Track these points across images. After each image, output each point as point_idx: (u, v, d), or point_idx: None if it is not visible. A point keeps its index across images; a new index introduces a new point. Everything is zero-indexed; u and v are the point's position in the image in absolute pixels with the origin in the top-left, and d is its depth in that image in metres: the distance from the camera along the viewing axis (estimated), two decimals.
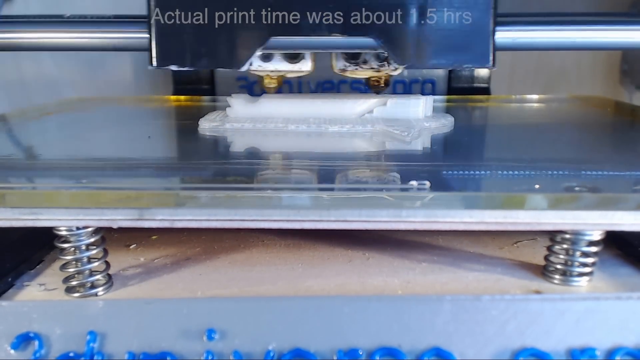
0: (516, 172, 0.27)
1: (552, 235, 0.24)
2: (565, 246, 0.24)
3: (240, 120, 0.38)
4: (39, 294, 0.24)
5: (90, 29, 0.37)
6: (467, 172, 0.28)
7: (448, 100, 0.53)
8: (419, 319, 0.21)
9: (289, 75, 0.38)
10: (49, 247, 0.28)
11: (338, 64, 0.38)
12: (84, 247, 0.23)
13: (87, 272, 0.24)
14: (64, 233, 0.23)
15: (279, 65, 0.37)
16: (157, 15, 0.34)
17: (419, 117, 0.39)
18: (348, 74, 0.38)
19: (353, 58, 0.37)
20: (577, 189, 0.24)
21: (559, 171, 0.27)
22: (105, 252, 0.24)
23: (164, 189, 0.25)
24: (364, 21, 0.32)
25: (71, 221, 0.22)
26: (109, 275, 0.25)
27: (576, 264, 0.24)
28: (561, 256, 0.24)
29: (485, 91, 0.62)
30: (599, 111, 0.48)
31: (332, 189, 0.25)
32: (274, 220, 0.22)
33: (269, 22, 0.33)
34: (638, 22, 0.35)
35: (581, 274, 0.24)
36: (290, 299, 0.22)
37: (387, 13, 0.32)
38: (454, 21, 0.32)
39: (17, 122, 0.43)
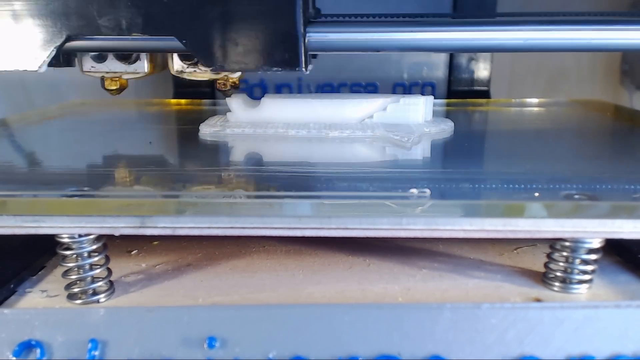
0: (516, 180, 0.27)
1: (552, 243, 0.24)
2: (564, 254, 0.24)
3: (240, 125, 0.38)
4: (41, 301, 0.24)
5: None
6: (466, 179, 0.28)
7: (448, 104, 0.53)
8: (419, 327, 0.21)
9: (126, 76, 0.36)
10: (50, 253, 0.28)
11: (175, 66, 0.36)
12: (86, 255, 0.24)
13: (89, 279, 0.24)
14: (66, 240, 0.23)
15: (113, 66, 0.36)
16: None
17: (418, 122, 0.39)
18: (186, 76, 0.36)
19: (187, 59, 0.35)
20: (576, 197, 0.24)
21: (558, 178, 0.27)
22: (107, 259, 0.25)
23: (166, 196, 0.25)
24: (167, 21, 0.30)
25: (73, 229, 0.22)
26: (111, 282, 0.25)
27: (576, 271, 0.24)
28: (561, 264, 0.24)
29: (485, 94, 0.62)
30: (598, 115, 0.48)
31: (332, 197, 0.25)
32: (275, 227, 0.23)
33: (69, 21, 0.30)
34: (638, 22, 0.35)
35: (581, 282, 0.24)
36: (291, 307, 0.22)
37: (191, 12, 0.30)
38: (262, 22, 0.29)
39: (19, 127, 0.43)
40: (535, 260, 0.28)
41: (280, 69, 0.30)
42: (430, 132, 0.38)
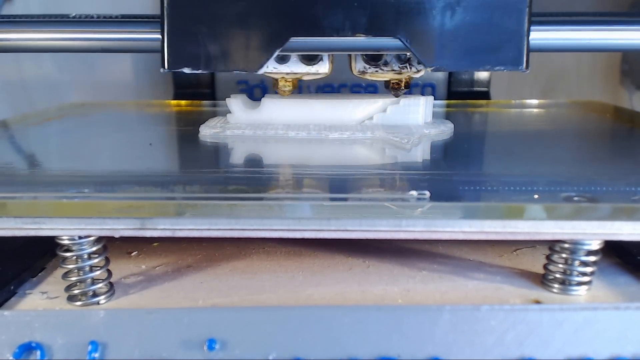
0: (515, 181, 0.27)
1: (551, 245, 0.24)
2: (564, 255, 0.24)
3: (240, 127, 0.38)
4: (41, 303, 0.24)
5: (99, 29, 0.36)
6: (466, 181, 0.28)
7: (448, 105, 0.53)
8: (419, 329, 0.21)
9: (306, 77, 0.37)
10: (50, 254, 0.28)
11: (357, 66, 0.36)
12: (86, 256, 0.24)
13: (89, 280, 0.24)
14: (66, 242, 0.23)
15: (295, 68, 0.36)
16: (169, 14, 0.32)
17: (418, 123, 0.39)
18: (367, 77, 0.36)
19: (373, 60, 0.36)
20: (575, 198, 0.24)
21: (557, 180, 0.27)
22: (107, 260, 0.25)
23: (166, 198, 0.25)
24: (389, 21, 0.30)
25: (73, 230, 0.23)
26: (111, 284, 0.25)
27: (575, 273, 0.24)
28: (560, 265, 0.24)
29: (485, 95, 0.63)
30: (598, 117, 0.48)
31: (332, 199, 0.25)
32: (274, 229, 0.23)
33: (289, 21, 0.31)
34: (638, 22, 0.35)
35: (580, 283, 0.24)
36: (290, 309, 0.22)
37: (414, 12, 0.30)
38: (485, 21, 0.30)
39: (19, 129, 0.43)
40: (535, 262, 0.28)
41: (503, 68, 0.31)
42: (430, 133, 0.38)
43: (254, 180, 0.29)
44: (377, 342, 0.21)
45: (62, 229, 0.22)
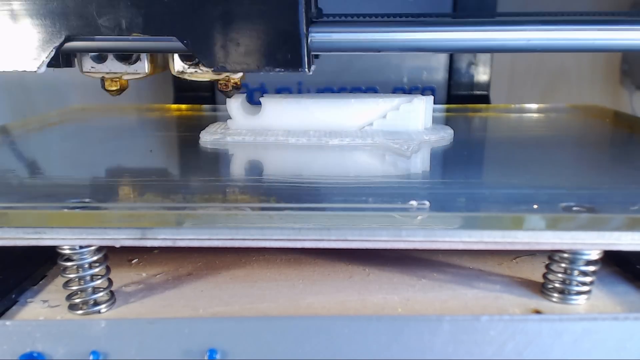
0: (514, 191, 0.27)
1: (551, 254, 0.24)
2: (563, 265, 0.24)
3: (241, 133, 0.38)
4: (43, 311, 0.24)
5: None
6: (465, 190, 0.28)
7: (447, 110, 0.53)
8: (418, 339, 0.21)
9: (126, 77, 0.36)
10: (51, 262, 0.28)
11: (176, 66, 0.35)
12: (87, 266, 0.24)
13: (90, 289, 0.24)
14: (67, 252, 0.23)
15: (113, 67, 0.35)
16: None
17: (418, 129, 0.39)
18: (187, 77, 0.35)
19: (188, 59, 0.35)
20: (575, 208, 0.24)
21: (557, 190, 0.27)
22: (108, 269, 0.25)
23: (166, 208, 0.25)
24: (168, 21, 0.29)
25: (75, 240, 0.23)
26: (112, 292, 0.25)
27: (574, 282, 0.24)
28: (559, 275, 0.24)
29: (485, 98, 0.63)
30: (597, 122, 0.48)
31: (332, 209, 0.25)
32: (275, 239, 0.23)
33: (68, 21, 0.30)
34: (638, 22, 0.35)
35: (579, 293, 0.24)
36: (291, 319, 0.22)
37: (192, 12, 0.29)
38: (265, 22, 0.29)
39: (20, 134, 0.43)
40: (534, 270, 0.28)
41: (282, 69, 0.30)
42: (429, 139, 0.38)
43: (255, 189, 0.29)
44: (377, 352, 0.21)
45: (64, 239, 0.23)
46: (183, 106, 0.55)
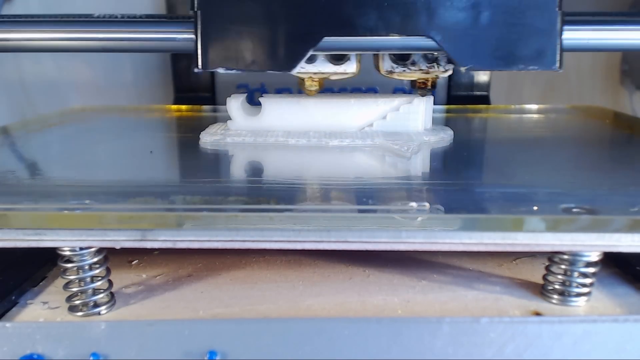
0: (514, 192, 0.27)
1: (551, 256, 0.24)
2: (563, 267, 0.24)
3: (241, 134, 0.38)
4: (43, 313, 0.24)
5: (131, 29, 0.35)
6: (465, 191, 0.28)
7: (447, 111, 0.53)
8: (418, 341, 0.21)
9: (334, 77, 0.37)
10: (51, 263, 0.28)
11: (385, 66, 0.36)
12: (87, 267, 0.24)
13: (90, 291, 0.24)
14: (67, 253, 0.23)
15: (323, 67, 0.36)
16: (202, 14, 0.32)
17: (418, 130, 0.39)
18: (395, 76, 0.36)
19: (401, 59, 0.36)
20: (574, 210, 0.24)
21: (557, 191, 0.27)
22: (108, 271, 0.25)
23: (166, 209, 0.25)
24: (422, 20, 0.30)
25: (75, 242, 0.23)
26: (112, 294, 0.25)
27: (574, 284, 0.24)
28: (559, 276, 0.24)
29: (485, 99, 0.63)
30: (597, 123, 0.48)
31: (332, 210, 0.25)
32: (275, 241, 0.23)
33: (321, 21, 0.31)
34: (638, 22, 0.35)
35: (579, 294, 0.24)
36: (291, 321, 0.22)
37: (446, 11, 0.30)
38: (517, 21, 0.30)
39: (20, 135, 0.43)
40: (534, 271, 0.28)
41: (536, 68, 0.31)
42: (429, 140, 0.38)
43: (254, 191, 0.29)
44: (377, 354, 0.21)
45: (64, 240, 0.23)
46: (183, 107, 0.55)
